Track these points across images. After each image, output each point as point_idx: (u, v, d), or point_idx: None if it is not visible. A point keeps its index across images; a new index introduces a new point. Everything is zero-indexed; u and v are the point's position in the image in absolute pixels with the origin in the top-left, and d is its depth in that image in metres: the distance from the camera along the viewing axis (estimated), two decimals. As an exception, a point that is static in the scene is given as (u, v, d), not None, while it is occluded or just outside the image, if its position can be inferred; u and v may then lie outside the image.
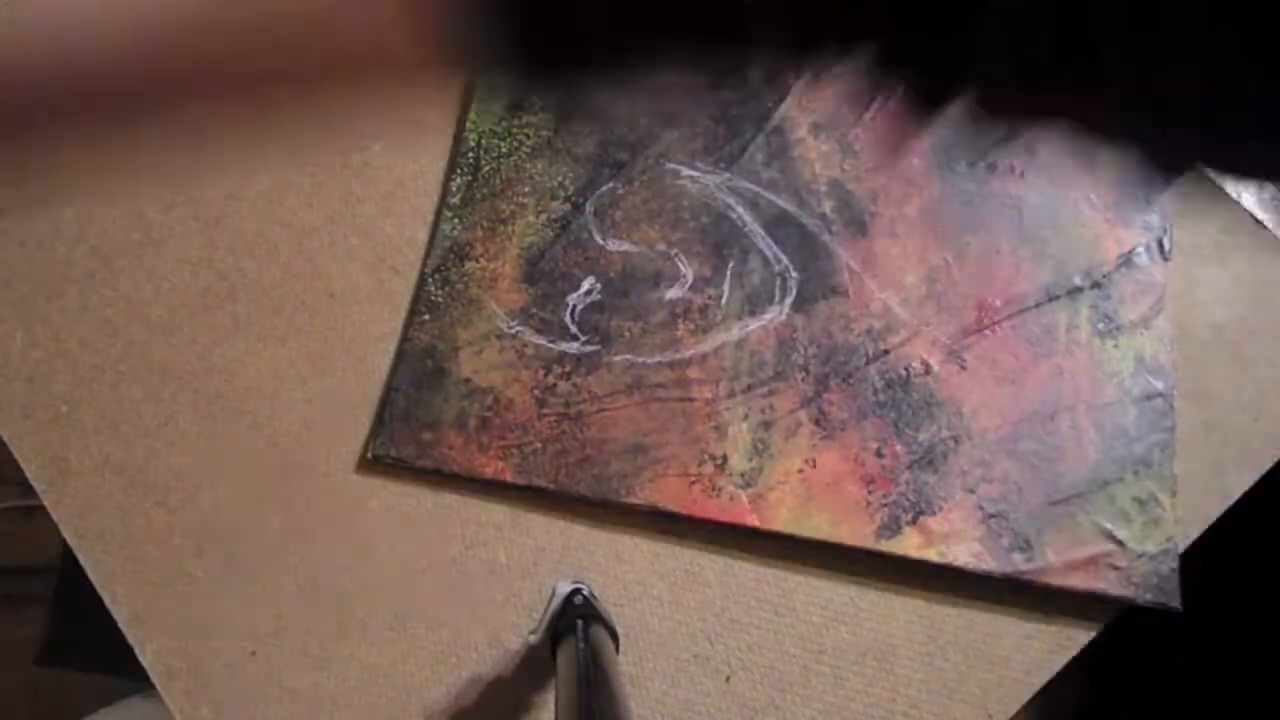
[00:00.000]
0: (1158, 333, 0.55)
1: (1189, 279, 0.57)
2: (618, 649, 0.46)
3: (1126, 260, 0.56)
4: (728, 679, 0.49)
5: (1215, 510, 0.53)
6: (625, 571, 0.51)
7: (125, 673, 0.50)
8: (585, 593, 0.46)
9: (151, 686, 0.49)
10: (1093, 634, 0.50)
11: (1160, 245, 0.56)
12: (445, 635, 0.50)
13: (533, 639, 0.44)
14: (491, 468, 0.52)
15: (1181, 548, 0.51)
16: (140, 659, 0.49)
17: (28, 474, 0.52)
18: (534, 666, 0.49)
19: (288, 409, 0.53)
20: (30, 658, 1.05)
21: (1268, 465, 0.54)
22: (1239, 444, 0.54)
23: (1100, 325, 0.55)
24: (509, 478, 0.51)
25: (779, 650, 0.50)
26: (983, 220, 0.57)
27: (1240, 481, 0.53)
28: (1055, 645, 0.50)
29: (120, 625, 0.50)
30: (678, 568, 0.51)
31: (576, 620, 0.43)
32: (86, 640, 1.00)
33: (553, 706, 0.42)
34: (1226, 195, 0.59)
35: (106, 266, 0.56)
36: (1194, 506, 0.53)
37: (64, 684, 1.07)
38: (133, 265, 0.56)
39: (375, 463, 0.52)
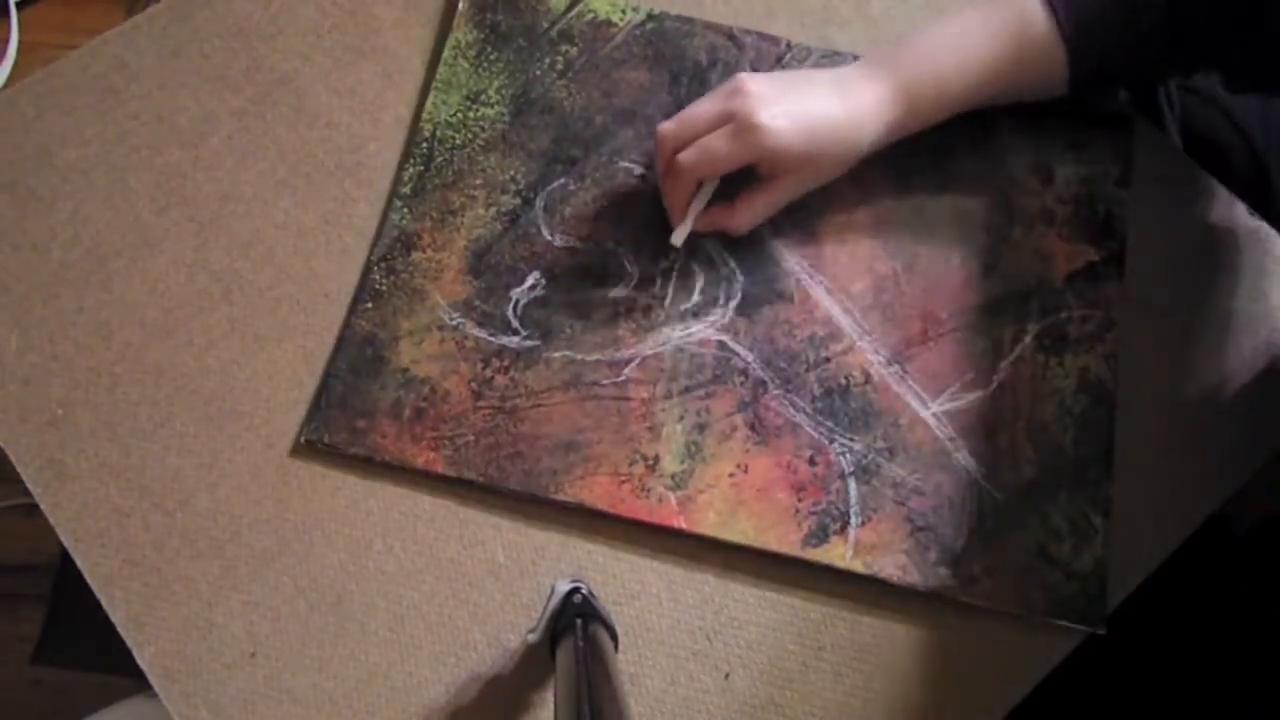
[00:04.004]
0: (1104, 351, 0.54)
1: (1185, 273, 0.57)
2: (617, 647, 0.46)
3: (1077, 277, 0.56)
4: (727, 676, 0.50)
5: (1207, 509, 0.53)
6: (624, 570, 0.51)
7: (125, 671, 0.50)
8: (584, 591, 0.46)
9: (152, 686, 0.49)
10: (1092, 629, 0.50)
11: (1114, 263, 0.56)
12: (444, 635, 0.50)
13: (532, 638, 0.44)
14: (423, 458, 0.52)
15: (1174, 547, 0.51)
16: (139, 661, 0.49)
17: (24, 478, 0.52)
18: (533, 665, 0.49)
19: (284, 410, 0.53)
20: (29, 656, 1.06)
21: (1262, 461, 0.54)
22: (1234, 442, 0.54)
23: (1046, 341, 0.54)
24: (440, 469, 0.51)
25: (778, 647, 0.50)
26: (935, 230, 0.57)
27: (1237, 480, 0.53)
28: (1054, 639, 0.50)
29: (118, 628, 0.50)
30: (676, 565, 0.51)
31: (575, 619, 0.44)
32: (85, 638, 1.00)
33: (552, 705, 0.42)
34: (1221, 189, 0.59)
35: (101, 269, 0.56)
36: (1184, 509, 0.53)
37: (64, 683, 1.07)
38: (128, 267, 0.56)
39: (307, 447, 0.52)
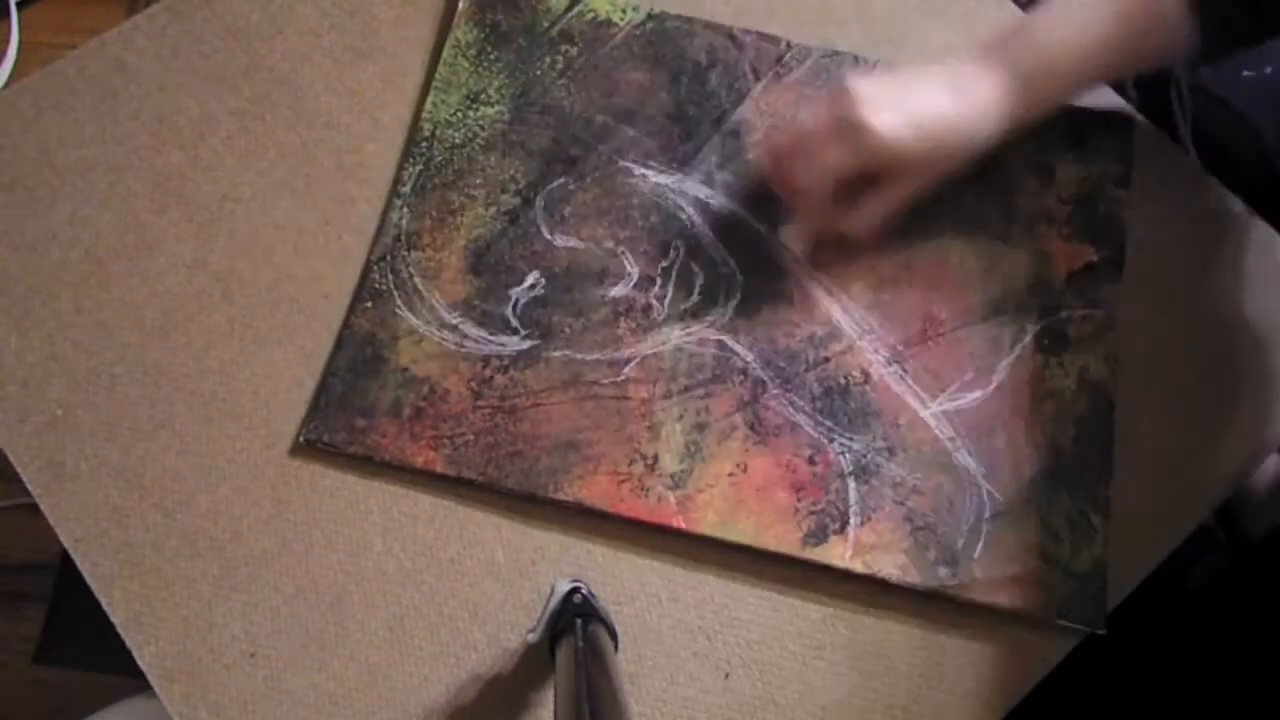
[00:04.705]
0: (1103, 351, 0.54)
1: (1185, 270, 0.57)
2: (616, 647, 0.46)
3: (1077, 277, 0.56)
4: (727, 676, 0.49)
5: (1207, 509, 0.53)
6: (623, 569, 0.51)
7: (125, 671, 0.50)
8: (584, 591, 0.46)
9: (152, 686, 0.49)
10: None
11: (1113, 264, 0.56)
12: (444, 635, 0.50)
13: (531, 638, 0.44)
14: (422, 457, 0.52)
15: (1174, 547, 0.51)
16: (139, 661, 0.49)
17: (24, 478, 0.52)
18: (533, 665, 0.49)
19: (284, 411, 0.53)
20: (30, 655, 1.06)
21: (1262, 461, 0.54)
22: (1234, 443, 0.54)
23: (1046, 342, 0.54)
24: (439, 468, 0.51)
25: (778, 647, 0.50)
26: (935, 231, 0.57)
27: (1236, 480, 0.54)
28: (1054, 639, 0.50)
29: (118, 628, 0.50)
30: (676, 565, 0.51)
31: (575, 619, 0.44)
32: (85, 638, 1.01)
33: (552, 705, 0.42)
34: (1222, 188, 0.59)
35: (101, 269, 0.56)
36: (1184, 509, 0.53)
37: (65, 682, 1.07)
38: (127, 268, 0.56)
39: (307, 447, 0.52)
